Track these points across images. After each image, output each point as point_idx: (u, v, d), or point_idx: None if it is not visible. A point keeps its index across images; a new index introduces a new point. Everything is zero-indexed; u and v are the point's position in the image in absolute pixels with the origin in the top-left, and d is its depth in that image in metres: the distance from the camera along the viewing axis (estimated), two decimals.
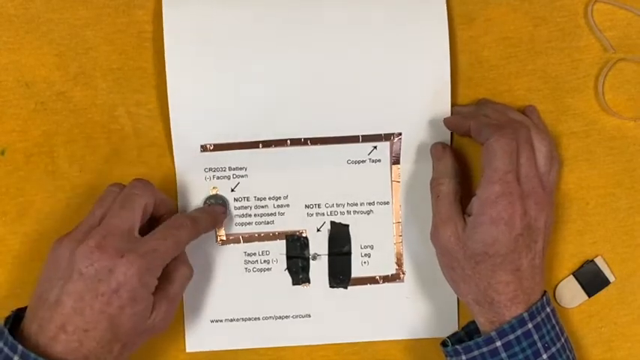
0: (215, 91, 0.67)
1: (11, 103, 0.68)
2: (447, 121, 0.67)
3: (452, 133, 0.68)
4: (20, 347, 0.56)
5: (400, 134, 0.68)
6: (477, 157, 0.69)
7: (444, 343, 0.65)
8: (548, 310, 0.62)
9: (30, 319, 0.58)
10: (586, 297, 0.70)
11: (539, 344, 0.60)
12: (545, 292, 0.63)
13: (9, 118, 0.68)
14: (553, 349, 0.61)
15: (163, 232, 0.61)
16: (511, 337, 0.60)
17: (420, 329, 0.70)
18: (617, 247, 0.70)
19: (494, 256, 0.60)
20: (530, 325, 0.60)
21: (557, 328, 0.62)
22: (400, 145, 0.68)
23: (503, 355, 0.60)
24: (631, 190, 0.70)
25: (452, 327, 0.70)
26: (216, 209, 0.68)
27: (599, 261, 0.70)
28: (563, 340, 0.62)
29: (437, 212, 0.64)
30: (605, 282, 0.70)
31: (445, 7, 0.67)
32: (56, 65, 0.69)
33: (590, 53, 0.70)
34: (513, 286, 0.61)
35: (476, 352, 0.61)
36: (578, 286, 0.70)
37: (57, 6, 0.68)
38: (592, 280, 0.70)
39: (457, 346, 0.62)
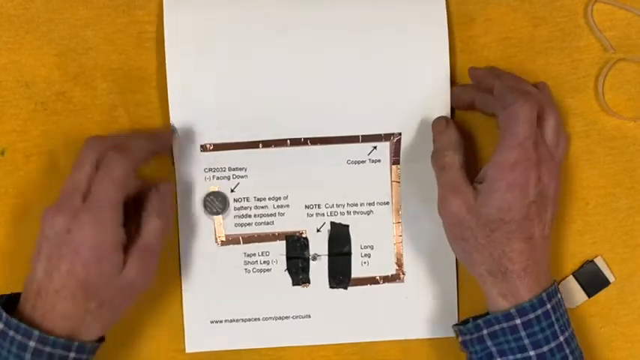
0: (215, 91, 0.67)
1: (11, 103, 0.69)
2: (457, 91, 0.67)
3: (453, 111, 0.68)
4: (4, 315, 0.58)
5: (400, 134, 0.68)
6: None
7: (460, 328, 0.64)
8: (559, 296, 0.62)
9: (22, 294, 0.60)
10: (586, 297, 0.70)
11: (556, 326, 0.60)
12: (554, 281, 0.63)
13: (9, 118, 0.68)
14: (566, 334, 0.61)
15: (99, 178, 0.60)
16: (531, 316, 0.60)
17: (421, 329, 0.70)
18: (617, 247, 0.70)
19: (509, 223, 0.60)
20: (549, 306, 0.60)
21: (565, 316, 0.62)
22: (400, 146, 0.68)
23: (522, 333, 0.60)
24: (631, 190, 0.70)
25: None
26: (156, 134, 0.67)
27: (599, 261, 0.70)
28: (570, 329, 0.62)
29: (444, 183, 0.64)
30: (605, 282, 0.70)
31: (445, 8, 0.67)
32: (56, 65, 0.69)
33: (590, 53, 0.70)
34: (526, 254, 0.60)
35: (497, 327, 0.61)
36: (578, 287, 0.70)
37: (57, 6, 0.68)
38: (592, 280, 0.70)
39: (479, 321, 0.62)
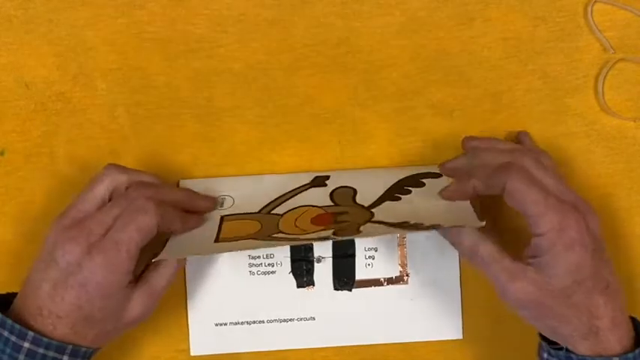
0: None
1: (11, 103, 0.68)
2: (448, 193, 0.64)
3: None
4: (0, 315, 0.58)
5: None
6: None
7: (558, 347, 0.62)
8: None
9: (20, 297, 0.60)
10: None
11: None
12: (635, 318, 0.62)
13: (9, 118, 0.68)
14: None
15: (126, 221, 0.59)
16: None
17: (425, 331, 0.70)
18: (617, 247, 0.70)
19: (583, 282, 0.58)
20: None
21: None
22: None
23: None
24: (631, 190, 0.70)
25: (456, 329, 0.69)
26: (192, 194, 0.66)
27: None
28: None
29: (497, 274, 0.59)
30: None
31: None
32: (56, 65, 0.68)
33: (590, 53, 0.70)
34: (611, 305, 0.59)
35: None
36: None
37: (57, 6, 0.68)
38: None
39: (572, 354, 0.59)
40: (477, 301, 0.69)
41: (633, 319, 0.62)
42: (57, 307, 0.58)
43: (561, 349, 0.61)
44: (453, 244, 0.62)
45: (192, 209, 0.65)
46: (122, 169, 0.63)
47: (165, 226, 0.61)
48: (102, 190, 0.61)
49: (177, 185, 0.68)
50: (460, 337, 0.70)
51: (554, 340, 0.61)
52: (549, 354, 0.61)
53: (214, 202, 0.67)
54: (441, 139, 0.69)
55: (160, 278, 0.62)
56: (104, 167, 0.63)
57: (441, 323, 0.69)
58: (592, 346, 0.59)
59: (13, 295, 0.61)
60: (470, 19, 0.69)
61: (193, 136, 0.69)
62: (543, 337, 0.62)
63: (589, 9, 0.69)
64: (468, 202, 0.62)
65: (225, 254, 0.69)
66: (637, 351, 0.59)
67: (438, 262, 0.68)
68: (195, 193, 0.66)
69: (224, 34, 0.69)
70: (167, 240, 0.63)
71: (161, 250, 0.62)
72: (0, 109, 0.68)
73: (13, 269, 0.68)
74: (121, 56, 0.69)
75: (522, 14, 0.70)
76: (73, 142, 0.68)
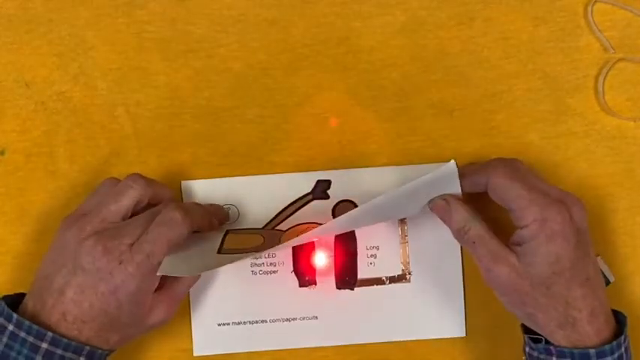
0: None
1: (11, 103, 0.68)
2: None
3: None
4: (15, 316, 0.58)
5: None
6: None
7: (536, 338, 0.63)
8: (626, 332, 0.61)
9: (33, 298, 0.60)
10: None
11: None
12: (620, 312, 0.63)
13: (9, 118, 0.68)
14: None
15: (155, 232, 0.60)
16: (608, 359, 0.59)
17: (427, 330, 0.69)
18: (617, 247, 0.70)
19: (562, 273, 0.59)
20: (623, 349, 0.60)
21: (631, 351, 0.62)
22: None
23: None
24: (631, 190, 0.70)
25: (459, 328, 0.69)
26: (215, 209, 0.68)
27: (599, 261, 0.70)
28: None
29: (482, 256, 0.61)
30: (605, 282, 0.70)
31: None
32: (56, 65, 0.68)
33: (590, 53, 0.70)
34: (590, 298, 0.60)
35: None
36: None
37: (57, 6, 0.68)
38: None
39: (551, 346, 0.60)
40: (480, 300, 0.69)
41: (615, 312, 0.62)
42: (83, 313, 0.59)
43: (540, 341, 0.61)
44: (442, 219, 0.63)
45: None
46: (148, 181, 0.63)
47: (197, 228, 0.64)
48: (128, 202, 0.62)
49: (180, 186, 0.68)
50: (463, 335, 0.70)
51: (533, 328, 0.62)
52: (530, 347, 0.62)
53: (227, 215, 0.68)
54: (441, 139, 0.69)
55: (181, 284, 0.64)
56: (128, 177, 0.63)
57: (444, 321, 0.69)
58: (568, 337, 0.60)
59: (19, 295, 0.61)
60: (470, 19, 0.70)
61: (193, 136, 0.69)
62: (525, 331, 0.63)
63: (589, 9, 0.69)
64: (455, 171, 0.62)
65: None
66: (614, 343, 0.59)
67: (440, 261, 0.68)
68: (209, 210, 0.67)
69: (224, 34, 0.69)
70: None
71: None
72: (0, 109, 0.68)
73: (13, 269, 0.68)
74: (121, 56, 0.69)
75: (522, 14, 0.70)
76: (73, 142, 0.68)
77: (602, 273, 0.69)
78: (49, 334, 0.58)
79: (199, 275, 0.66)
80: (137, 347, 0.69)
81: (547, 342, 0.61)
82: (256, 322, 0.69)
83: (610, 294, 0.69)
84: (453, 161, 0.61)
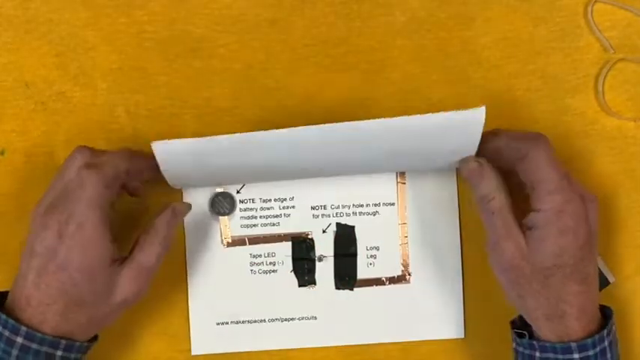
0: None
1: (11, 103, 0.68)
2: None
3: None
4: None
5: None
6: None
7: (515, 325, 0.64)
8: (614, 328, 0.62)
9: (10, 291, 0.60)
10: None
11: None
12: (609, 307, 0.63)
13: (9, 118, 0.68)
14: None
15: (73, 199, 0.59)
16: (590, 352, 0.59)
17: (426, 331, 0.70)
18: (617, 248, 0.70)
19: (564, 267, 0.59)
20: (606, 343, 0.60)
21: (618, 347, 0.62)
22: None
23: None
24: (631, 190, 0.70)
25: (458, 329, 0.69)
26: (118, 152, 0.63)
27: (599, 261, 0.70)
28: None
29: (495, 228, 0.61)
30: (605, 282, 0.70)
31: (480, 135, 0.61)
32: (56, 65, 0.68)
33: (590, 53, 0.70)
34: (583, 296, 0.60)
35: (551, 355, 0.60)
36: None
37: (57, 6, 0.68)
38: None
39: (534, 341, 0.61)
40: (479, 301, 0.69)
41: (603, 307, 0.63)
42: (43, 295, 0.58)
43: (524, 336, 0.62)
44: (470, 181, 0.62)
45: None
46: (91, 151, 0.62)
47: (112, 181, 0.60)
48: (72, 174, 0.61)
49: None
50: (462, 336, 0.70)
51: (521, 312, 0.63)
52: (516, 343, 0.63)
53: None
54: None
55: (145, 255, 0.62)
56: (74, 150, 0.62)
57: (443, 323, 0.69)
58: (553, 329, 0.60)
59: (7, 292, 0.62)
60: (470, 19, 0.70)
61: (193, 136, 0.69)
62: (513, 326, 0.64)
63: (589, 9, 0.69)
64: (482, 119, 0.60)
65: (227, 253, 0.69)
66: (596, 337, 0.60)
67: (440, 262, 0.68)
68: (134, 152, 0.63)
69: (224, 34, 0.69)
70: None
71: (150, 227, 0.62)
72: (0, 109, 0.68)
73: (13, 269, 0.68)
74: (121, 56, 0.69)
75: (522, 14, 0.70)
76: (73, 142, 0.68)
77: (602, 273, 0.69)
78: (23, 328, 0.57)
79: (168, 245, 0.63)
80: (133, 344, 0.69)
81: (531, 337, 0.62)
82: (255, 321, 0.69)
83: (610, 294, 0.70)
84: (483, 107, 0.59)
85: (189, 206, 0.66)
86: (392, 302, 0.69)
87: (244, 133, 0.60)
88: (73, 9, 0.68)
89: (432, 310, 0.69)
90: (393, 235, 0.69)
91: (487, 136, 0.62)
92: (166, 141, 0.61)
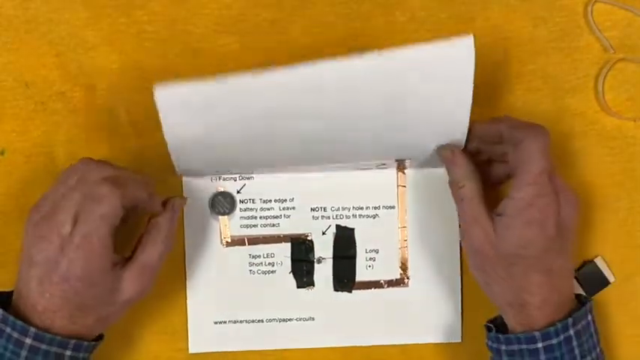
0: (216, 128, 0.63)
1: (11, 103, 0.68)
2: (476, 128, 0.64)
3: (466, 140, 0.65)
4: (1, 311, 0.58)
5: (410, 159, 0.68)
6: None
7: (488, 326, 0.65)
8: (589, 318, 0.62)
9: (15, 292, 0.60)
10: None
11: (576, 351, 0.60)
12: (589, 300, 0.63)
13: (9, 118, 0.68)
14: (588, 358, 0.61)
15: (86, 211, 0.58)
16: (554, 341, 0.60)
17: (424, 335, 0.70)
18: (617, 248, 0.70)
19: (527, 258, 0.60)
20: (572, 332, 0.60)
21: (594, 337, 0.62)
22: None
23: (542, 357, 0.60)
24: (631, 190, 0.70)
25: (455, 332, 0.70)
26: (141, 177, 0.63)
27: (599, 261, 0.70)
28: (598, 350, 0.62)
29: (463, 214, 0.63)
30: (605, 282, 0.70)
31: (473, 62, 0.60)
32: (56, 65, 0.68)
33: (590, 53, 0.70)
34: (546, 287, 0.60)
35: (515, 347, 0.61)
36: (578, 287, 0.70)
37: (57, 6, 0.68)
38: (592, 281, 0.70)
39: (499, 335, 0.62)
40: (477, 306, 0.69)
41: (578, 296, 0.64)
42: (48, 303, 0.58)
43: (491, 330, 0.63)
44: (445, 165, 0.65)
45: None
46: (112, 167, 0.62)
47: (131, 203, 0.60)
48: (78, 196, 0.59)
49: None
50: (459, 340, 0.70)
51: (490, 297, 0.64)
52: (487, 337, 0.64)
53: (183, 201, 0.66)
54: None
55: (147, 254, 0.62)
56: (79, 161, 0.62)
57: (441, 326, 0.69)
58: (515, 316, 0.61)
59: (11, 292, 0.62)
60: (470, 19, 0.70)
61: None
62: (487, 322, 0.65)
63: (589, 9, 0.69)
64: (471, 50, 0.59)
65: (226, 253, 0.69)
66: (559, 325, 0.60)
67: (439, 266, 0.68)
68: (145, 181, 0.63)
69: (224, 34, 0.69)
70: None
71: (151, 226, 0.62)
72: (0, 109, 0.68)
73: (13, 269, 0.68)
74: (121, 56, 0.69)
75: (522, 14, 0.70)
76: (73, 142, 0.68)
77: (602, 273, 0.69)
78: (32, 329, 0.57)
79: (171, 243, 0.63)
80: (132, 342, 0.69)
81: (497, 330, 0.63)
82: (253, 321, 0.69)
83: (610, 294, 0.70)
84: (471, 35, 0.58)
85: (185, 200, 0.66)
86: (390, 305, 0.69)
87: (245, 74, 0.59)
88: (73, 9, 0.68)
89: (430, 314, 0.70)
90: (392, 239, 0.69)
91: (490, 121, 0.64)
92: (170, 85, 0.59)
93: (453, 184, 0.64)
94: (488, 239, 0.61)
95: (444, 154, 0.65)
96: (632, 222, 0.70)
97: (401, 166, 0.69)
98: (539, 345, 0.60)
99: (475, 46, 0.59)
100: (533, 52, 0.70)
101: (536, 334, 0.60)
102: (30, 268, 0.59)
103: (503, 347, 0.62)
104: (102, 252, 0.59)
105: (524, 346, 0.61)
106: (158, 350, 0.69)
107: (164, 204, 0.64)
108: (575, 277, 0.70)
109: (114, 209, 0.59)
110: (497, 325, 0.64)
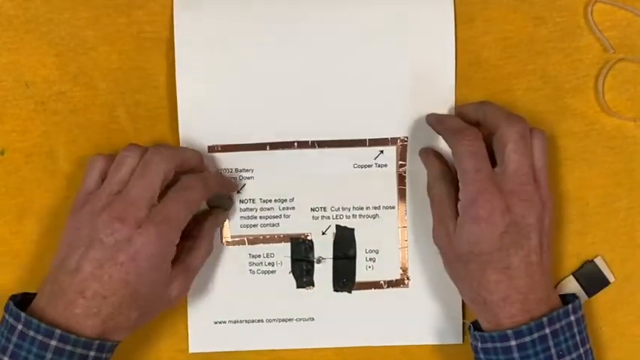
0: (223, 93, 0.68)
1: (11, 103, 0.68)
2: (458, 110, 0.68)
3: None
4: (23, 315, 0.58)
5: (406, 138, 0.68)
6: None
7: (469, 324, 0.65)
8: (571, 318, 0.62)
9: (46, 290, 0.60)
10: (586, 297, 0.70)
11: (552, 350, 0.60)
12: (577, 299, 0.63)
13: (9, 118, 0.68)
14: (567, 358, 0.61)
15: (174, 197, 0.62)
16: (527, 339, 0.60)
17: (424, 335, 0.70)
18: (617, 247, 0.70)
19: (480, 255, 0.60)
20: (547, 330, 0.60)
21: (577, 337, 0.62)
22: (406, 150, 0.68)
23: (516, 355, 0.60)
24: (631, 190, 0.70)
25: (456, 333, 0.69)
26: (224, 176, 0.69)
27: (599, 261, 0.70)
28: (582, 350, 0.62)
29: (433, 214, 0.65)
30: (605, 282, 0.70)
31: (452, 13, 0.68)
32: (56, 65, 0.68)
33: (590, 53, 0.70)
34: (504, 285, 0.60)
35: (489, 345, 0.61)
36: (578, 287, 0.70)
37: (57, 6, 0.68)
38: (592, 281, 0.70)
39: (476, 332, 0.62)
40: None
41: (564, 296, 0.64)
42: (103, 287, 0.59)
43: (469, 328, 0.64)
44: (423, 163, 0.68)
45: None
46: (171, 153, 0.63)
47: (209, 194, 0.66)
48: (127, 170, 0.62)
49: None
50: (460, 342, 0.70)
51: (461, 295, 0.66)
52: (470, 335, 0.64)
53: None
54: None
55: (194, 258, 0.64)
56: (125, 149, 0.63)
57: (442, 328, 0.69)
58: (482, 315, 0.62)
59: (28, 295, 0.61)
60: (470, 19, 0.69)
61: None
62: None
63: (589, 9, 0.69)
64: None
65: (226, 252, 0.69)
66: (532, 324, 0.60)
67: (439, 266, 0.68)
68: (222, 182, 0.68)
69: None
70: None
71: (197, 233, 0.65)
72: (0, 109, 0.68)
73: (13, 269, 0.68)
74: (121, 56, 0.69)
75: (522, 14, 0.70)
76: (73, 142, 0.69)
77: (602, 273, 0.69)
78: (57, 331, 0.57)
79: (212, 248, 0.66)
80: (132, 342, 0.68)
81: (475, 328, 0.63)
82: (253, 321, 0.69)
83: (610, 294, 0.70)
84: None
85: (227, 215, 0.69)
86: (390, 306, 0.69)
87: None
88: (73, 9, 0.68)
89: (431, 315, 0.69)
90: (392, 239, 0.69)
91: (476, 104, 0.67)
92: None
93: (427, 186, 0.67)
94: (449, 239, 0.63)
95: (420, 156, 0.68)
96: (632, 222, 0.70)
97: (401, 163, 0.69)
98: (512, 343, 0.60)
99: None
100: (533, 52, 0.70)
101: (509, 332, 0.60)
102: (88, 252, 0.59)
103: (479, 345, 0.62)
104: (175, 237, 0.61)
105: (498, 344, 0.61)
106: (158, 350, 0.69)
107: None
108: (576, 277, 0.70)
109: (199, 201, 0.63)
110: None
